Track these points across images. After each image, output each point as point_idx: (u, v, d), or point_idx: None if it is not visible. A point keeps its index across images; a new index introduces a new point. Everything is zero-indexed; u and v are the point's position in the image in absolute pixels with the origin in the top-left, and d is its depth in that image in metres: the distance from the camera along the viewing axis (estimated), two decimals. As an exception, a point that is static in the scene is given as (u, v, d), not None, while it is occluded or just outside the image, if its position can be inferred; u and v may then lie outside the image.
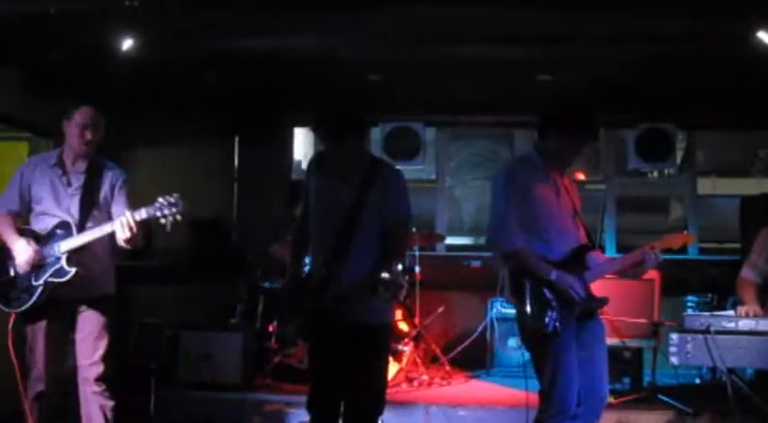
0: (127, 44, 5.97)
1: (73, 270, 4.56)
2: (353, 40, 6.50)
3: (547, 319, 4.06)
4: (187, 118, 7.85)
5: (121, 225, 4.42)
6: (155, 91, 7.25)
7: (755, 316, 5.11)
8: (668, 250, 4.51)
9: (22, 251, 4.59)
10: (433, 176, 9.13)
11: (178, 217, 4.39)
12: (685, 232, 4.69)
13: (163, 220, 4.41)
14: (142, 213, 4.44)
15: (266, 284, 6.96)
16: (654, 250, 4.36)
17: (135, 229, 4.43)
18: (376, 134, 8.42)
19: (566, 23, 5.92)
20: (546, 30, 6.07)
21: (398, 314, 7.02)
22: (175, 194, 4.42)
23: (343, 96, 7.91)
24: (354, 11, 5.75)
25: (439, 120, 8.76)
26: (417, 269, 7.46)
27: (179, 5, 5.68)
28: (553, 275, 4.10)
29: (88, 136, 4.70)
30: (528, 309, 4.09)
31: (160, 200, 4.41)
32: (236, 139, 8.50)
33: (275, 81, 7.58)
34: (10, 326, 4.64)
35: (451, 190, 10.57)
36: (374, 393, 4.24)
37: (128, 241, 4.48)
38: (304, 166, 11.27)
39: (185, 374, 6.35)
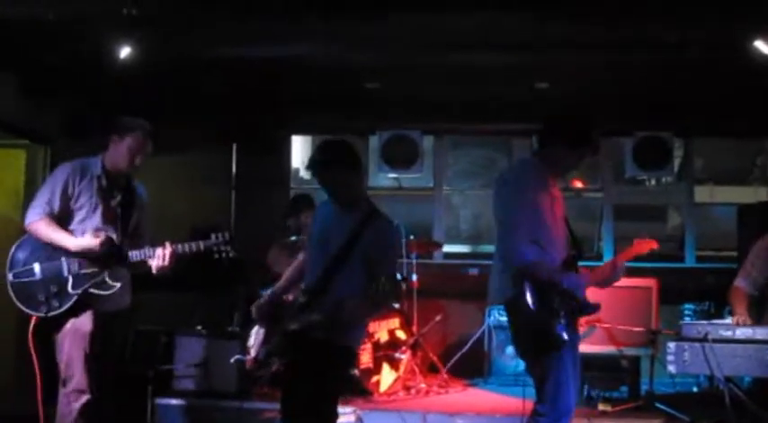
0: (125, 51, 5.97)
1: (118, 284, 4.69)
2: (351, 48, 6.50)
3: (558, 329, 4.07)
4: (185, 125, 7.84)
5: (164, 256, 4.63)
6: (153, 98, 7.23)
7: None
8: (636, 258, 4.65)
9: (91, 241, 4.59)
10: (431, 184, 9.13)
11: (231, 254, 4.72)
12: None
13: (216, 256, 4.72)
14: (200, 246, 4.70)
15: (264, 292, 6.94)
16: (621, 264, 4.45)
17: (171, 262, 4.65)
18: (373, 142, 8.43)
19: (564, 31, 5.93)
20: (543, 38, 6.08)
21: (396, 322, 7.01)
22: (227, 233, 4.73)
23: (341, 104, 7.94)
24: (352, 19, 5.76)
25: (437, 128, 8.77)
26: (415, 277, 7.45)
27: (177, 13, 5.69)
28: (564, 283, 4.11)
29: (138, 161, 4.78)
30: (544, 318, 4.08)
31: (214, 236, 4.71)
32: (234, 147, 8.50)
33: (273, 89, 7.59)
34: (31, 329, 4.61)
35: (449, 198, 10.57)
36: (319, 407, 4.26)
37: (159, 269, 4.66)
38: (302, 173, 11.34)
39: (182, 382, 6.33)
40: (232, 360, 6.17)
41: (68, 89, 6.70)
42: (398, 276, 7.19)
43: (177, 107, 7.61)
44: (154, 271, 4.67)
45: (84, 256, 4.62)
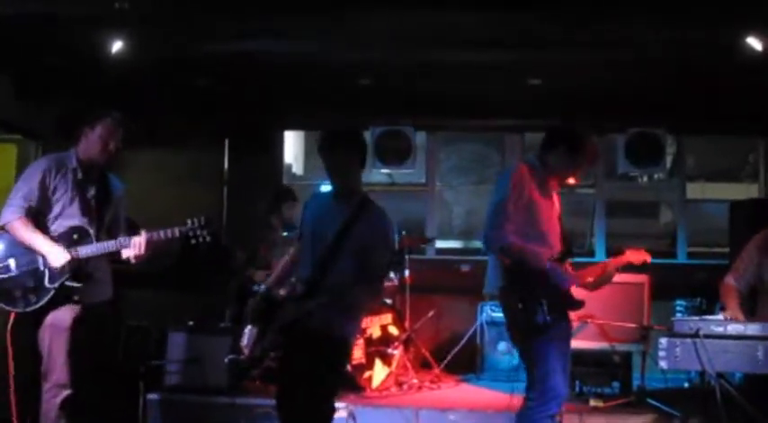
0: (116, 48, 5.95)
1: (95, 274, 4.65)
2: (344, 44, 6.49)
3: (539, 313, 4.21)
4: (177, 122, 7.82)
5: (137, 244, 4.59)
6: (144, 95, 7.21)
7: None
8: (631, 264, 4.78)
9: (60, 256, 4.56)
10: (423, 180, 9.13)
11: (207, 238, 4.61)
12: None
13: (193, 241, 4.63)
14: (175, 232, 4.62)
15: (256, 288, 6.94)
16: (613, 268, 4.67)
17: (146, 251, 4.60)
18: (366, 138, 8.40)
19: (556, 28, 5.93)
20: (536, 34, 6.08)
21: (388, 318, 7.01)
22: (203, 217, 4.63)
23: (334, 100, 7.92)
24: (345, 15, 5.75)
25: (429, 123, 8.76)
26: (407, 272, 7.45)
27: (168, 10, 5.67)
28: (547, 265, 4.27)
29: (112, 148, 4.77)
30: (521, 303, 4.25)
31: (190, 222, 4.62)
32: (226, 143, 8.48)
33: (265, 85, 7.57)
34: (10, 326, 4.59)
35: (441, 193, 10.57)
36: (316, 401, 4.27)
37: (136, 258, 4.62)
38: (294, 169, 11.31)
39: (174, 378, 6.32)
40: (226, 360, 6.16)
41: (61, 87, 6.67)
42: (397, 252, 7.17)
43: (169, 104, 7.59)
44: (132, 260, 4.64)
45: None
